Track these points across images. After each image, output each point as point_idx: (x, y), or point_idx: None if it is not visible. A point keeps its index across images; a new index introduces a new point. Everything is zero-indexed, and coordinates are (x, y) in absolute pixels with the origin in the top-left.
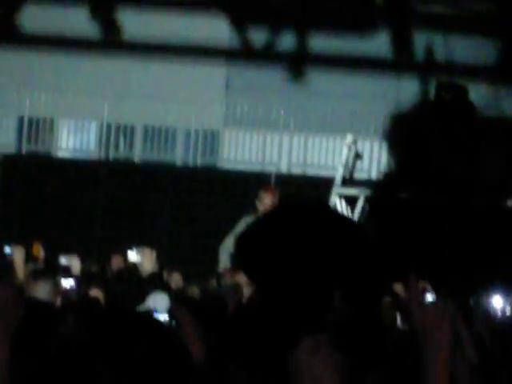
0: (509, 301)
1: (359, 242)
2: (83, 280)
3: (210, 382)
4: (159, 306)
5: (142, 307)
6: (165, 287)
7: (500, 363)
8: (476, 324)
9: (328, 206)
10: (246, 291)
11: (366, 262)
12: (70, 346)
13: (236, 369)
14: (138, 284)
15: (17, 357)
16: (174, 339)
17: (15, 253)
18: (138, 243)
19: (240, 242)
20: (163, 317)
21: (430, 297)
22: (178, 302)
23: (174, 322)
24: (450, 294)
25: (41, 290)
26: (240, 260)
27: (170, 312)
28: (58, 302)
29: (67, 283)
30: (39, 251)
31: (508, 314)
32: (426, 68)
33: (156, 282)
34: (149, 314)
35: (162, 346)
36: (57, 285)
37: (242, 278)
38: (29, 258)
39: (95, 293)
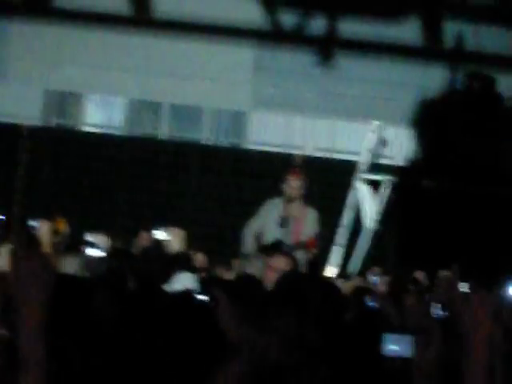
0: None
1: None
2: (110, 256)
3: (248, 360)
4: (188, 286)
5: (169, 286)
6: (191, 267)
7: None
8: (504, 312)
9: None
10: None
11: None
12: (100, 320)
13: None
14: (164, 262)
15: (49, 329)
16: (211, 318)
17: (41, 226)
18: (162, 221)
19: None
20: (200, 296)
21: (461, 286)
22: (213, 282)
23: (210, 302)
24: (477, 283)
25: (69, 264)
26: None
27: (207, 292)
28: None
29: (95, 257)
30: (64, 226)
31: None
32: (454, 57)
33: (182, 261)
34: (187, 293)
35: (199, 325)
36: (85, 259)
37: (277, 262)
38: (54, 232)
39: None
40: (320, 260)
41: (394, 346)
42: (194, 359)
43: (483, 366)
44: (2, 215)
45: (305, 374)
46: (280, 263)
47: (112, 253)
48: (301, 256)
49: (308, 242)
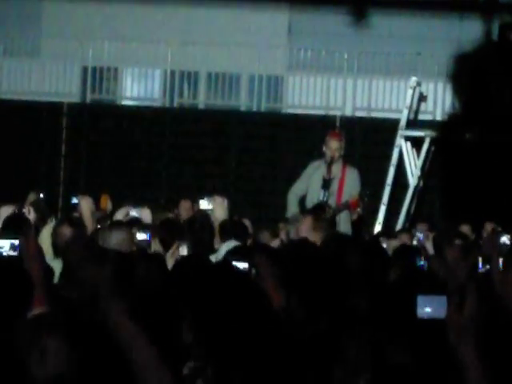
0: None
1: None
2: (154, 229)
3: (289, 329)
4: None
5: (217, 255)
6: (237, 235)
7: None
8: None
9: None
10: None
11: None
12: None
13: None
14: (210, 231)
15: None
16: (253, 287)
17: (82, 203)
18: (205, 190)
19: None
20: (242, 265)
21: (503, 238)
22: (257, 250)
23: (253, 271)
24: None
25: (115, 240)
26: None
27: (250, 260)
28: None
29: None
30: (107, 203)
31: None
32: (489, 8)
33: (228, 229)
34: (228, 263)
35: (242, 294)
36: (131, 234)
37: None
38: (97, 209)
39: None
40: (365, 219)
41: (428, 307)
42: (234, 327)
43: None
44: (46, 194)
45: (348, 340)
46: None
47: (160, 224)
48: (345, 216)
49: (351, 202)
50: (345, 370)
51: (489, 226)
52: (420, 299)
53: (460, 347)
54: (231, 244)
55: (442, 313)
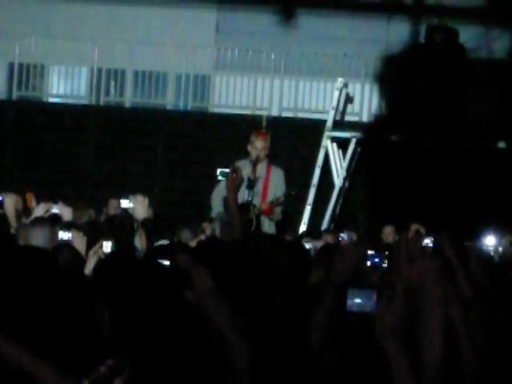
0: (501, 240)
1: None
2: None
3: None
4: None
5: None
6: (158, 233)
7: (494, 300)
8: (471, 263)
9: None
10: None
11: None
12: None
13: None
14: (130, 230)
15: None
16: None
17: (6, 201)
18: (130, 188)
19: None
20: (164, 261)
21: (426, 240)
22: (178, 248)
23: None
24: (444, 235)
25: (38, 237)
26: None
27: (172, 258)
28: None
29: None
30: (32, 201)
31: (501, 252)
32: (416, 10)
33: (148, 227)
34: (152, 259)
35: (165, 291)
36: (53, 232)
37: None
38: (22, 207)
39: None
40: (290, 219)
41: (357, 299)
42: (155, 325)
43: (439, 326)
44: None
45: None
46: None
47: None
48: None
49: (264, 209)
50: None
51: (413, 227)
52: (350, 291)
53: (387, 343)
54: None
55: (371, 306)
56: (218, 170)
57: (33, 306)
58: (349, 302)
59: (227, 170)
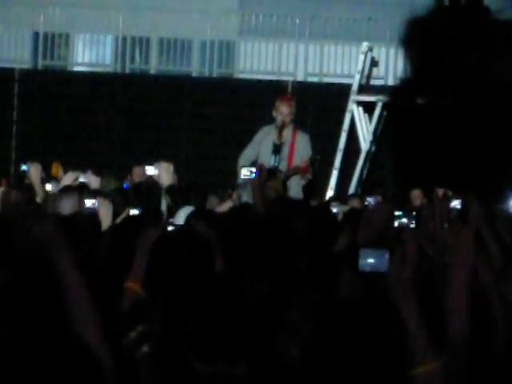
0: None
1: None
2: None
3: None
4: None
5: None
6: (184, 199)
7: None
8: (497, 224)
9: None
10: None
11: None
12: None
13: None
14: (156, 197)
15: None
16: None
17: (31, 170)
18: (155, 156)
19: None
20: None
21: (453, 202)
22: (196, 214)
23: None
24: (472, 197)
25: (65, 206)
26: None
27: (189, 225)
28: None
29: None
30: (58, 170)
31: None
32: None
33: (174, 194)
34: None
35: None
36: (81, 200)
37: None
38: (48, 175)
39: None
40: (316, 184)
41: (369, 259)
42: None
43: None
44: None
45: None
46: (276, 189)
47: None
48: (296, 181)
49: (301, 166)
50: (286, 332)
51: (440, 191)
52: (362, 252)
53: (400, 301)
54: (187, 210)
55: (383, 266)
56: (243, 168)
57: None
58: (361, 262)
59: (252, 169)
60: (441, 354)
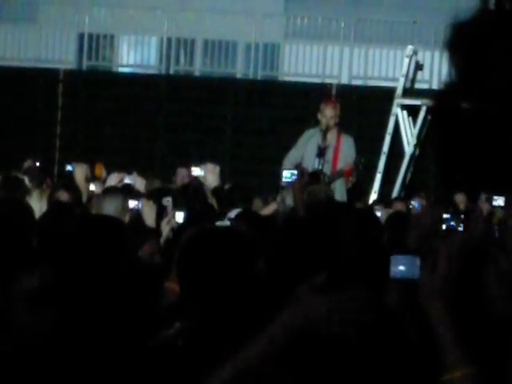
0: None
1: None
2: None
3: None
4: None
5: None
6: (229, 201)
7: None
8: None
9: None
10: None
11: None
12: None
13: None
14: (203, 198)
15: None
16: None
17: (77, 170)
18: (200, 157)
19: None
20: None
21: (497, 200)
22: (238, 217)
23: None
24: None
25: (109, 207)
26: None
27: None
28: (127, 219)
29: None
30: (101, 170)
31: None
32: None
33: (220, 196)
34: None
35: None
36: (125, 202)
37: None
38: (92, 177)
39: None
40: (360, 187)
41: (400, 266)
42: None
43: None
44: (41, 161)
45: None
46: (319, 193)
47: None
48: (340, 184)
49: (345, 169)
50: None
51: (484, 196)
52: (393, 258)
53: (431, 308)
54: (236, 212)
55: (414, 273)
56: (284, 171)
57: (106, 273)
58: (392, 269)
59: (294, 171)
60: (472, 360)
